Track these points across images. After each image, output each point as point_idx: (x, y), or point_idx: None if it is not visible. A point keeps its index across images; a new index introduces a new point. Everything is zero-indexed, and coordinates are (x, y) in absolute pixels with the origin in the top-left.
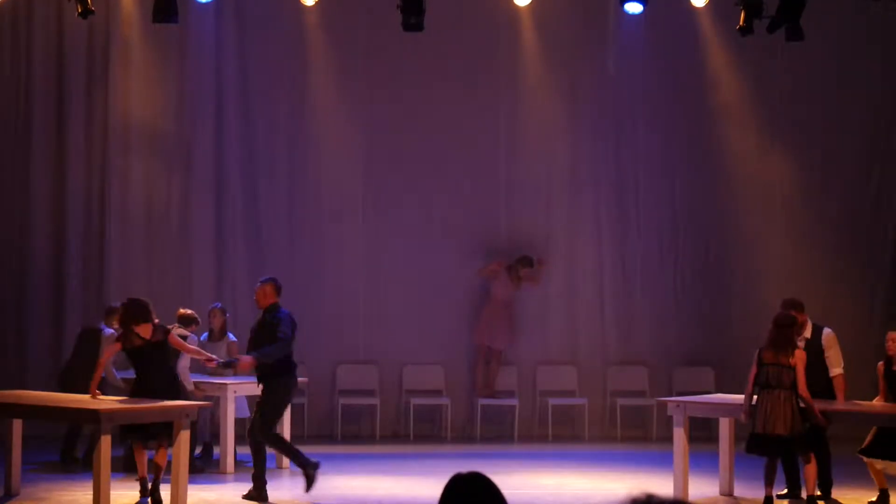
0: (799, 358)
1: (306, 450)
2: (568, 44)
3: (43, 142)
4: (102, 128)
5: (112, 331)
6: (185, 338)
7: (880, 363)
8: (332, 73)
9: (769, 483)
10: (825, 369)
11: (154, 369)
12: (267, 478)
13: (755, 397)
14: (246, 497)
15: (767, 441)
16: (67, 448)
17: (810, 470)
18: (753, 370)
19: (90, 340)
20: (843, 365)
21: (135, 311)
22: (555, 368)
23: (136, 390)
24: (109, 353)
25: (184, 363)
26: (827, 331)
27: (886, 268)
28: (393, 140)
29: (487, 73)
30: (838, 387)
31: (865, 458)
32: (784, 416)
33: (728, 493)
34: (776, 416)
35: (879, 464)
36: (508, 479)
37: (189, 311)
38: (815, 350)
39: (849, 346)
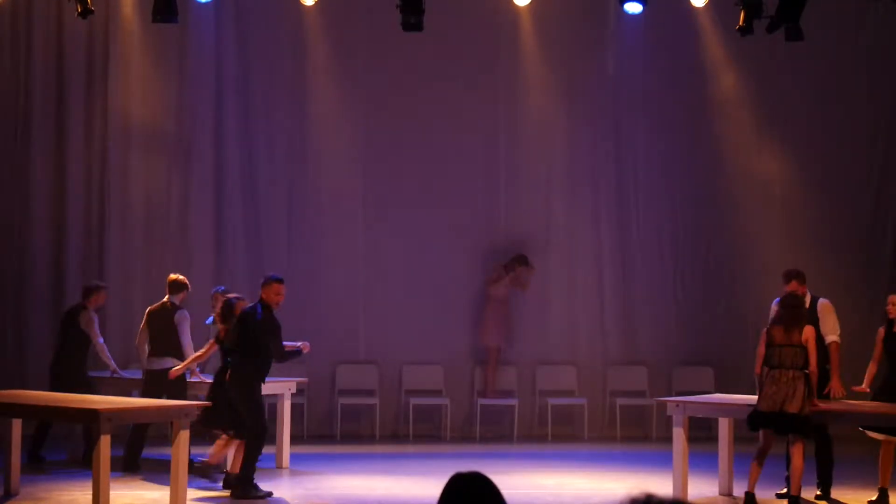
0: (809, 334)
1: (306, 450)
2: (568, 44)
3: (43, 141)
4: (102, 127)
5: (93, 311)
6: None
7: (881, 328)
8: (331, 73)
9: (754, 473)
10: (821, 339)
11: (228, 366)
12: (260, 478)
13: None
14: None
15: (775, 417)
16: (35, 447)
17: (796, 467)
18: (762, 350)
19: (73, 322)
20: (839, 333)
21: (221, 313)
22: (555, 368)
23: (212, 386)
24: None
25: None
26: (822, 300)
27: (886, 268)
28: (393, 140)
29: (487, 73)
30: (832, 353)
31: (874, 435)
32: (796, 395)
33: (727, 493)
34: (787, 394)
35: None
36: (508, 479)
37: (180, 277)
38: (812, 320)
39: (848, 345)
